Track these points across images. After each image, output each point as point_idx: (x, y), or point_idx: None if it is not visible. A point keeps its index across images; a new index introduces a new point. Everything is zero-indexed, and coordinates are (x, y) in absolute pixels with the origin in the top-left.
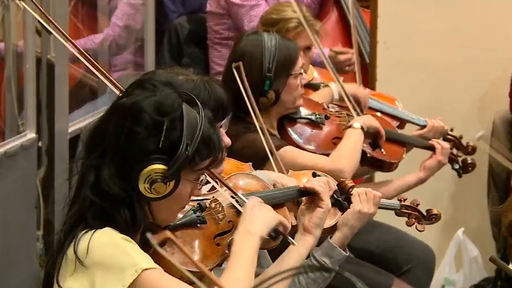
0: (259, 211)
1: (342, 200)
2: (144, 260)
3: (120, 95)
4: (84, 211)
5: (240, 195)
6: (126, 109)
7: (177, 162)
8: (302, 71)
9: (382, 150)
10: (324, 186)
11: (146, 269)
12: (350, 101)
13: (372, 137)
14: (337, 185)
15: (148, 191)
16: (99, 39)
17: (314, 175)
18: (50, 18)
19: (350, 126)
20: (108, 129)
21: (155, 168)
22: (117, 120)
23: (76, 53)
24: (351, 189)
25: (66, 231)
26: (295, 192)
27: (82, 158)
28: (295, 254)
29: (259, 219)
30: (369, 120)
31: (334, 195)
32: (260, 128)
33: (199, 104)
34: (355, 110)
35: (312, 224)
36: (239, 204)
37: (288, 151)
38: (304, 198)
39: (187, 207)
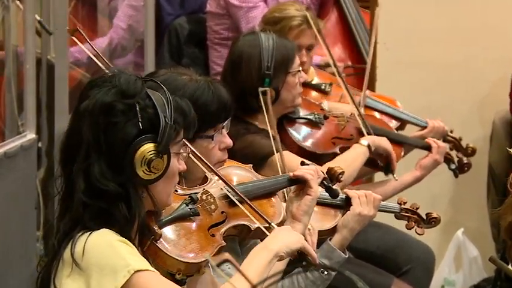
0: (285, 232)
1: (332, 186)
2: (137, 261)
3: (78, 101)
4: (78, 215)
5: (231, 186)
6: (92, 110)
7: (165, 135)
8: (300, 68)
9: (395, 175)
10: (313, 174)
11: (139, 271)
12: (353, 103)
13: (385, 161)
14: (326, 172)
15: (148, 172)
16: (105, 43)
17: (302, 164)
18: None
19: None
20: (82, 135)
21: (146, 148)
22: (89, 123)
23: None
24: (340, 176)
25: (60, 238)
26: (285, 181)
27: (60, 175)
28: None
29: (280, 238)
30: (380, 141)
31: (324, 182)
32: (273, 136)
33: (155, 80)
34: (358, 113)
35: (300, 212)
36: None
37: (284, 154)
38: (293, 186)
39: (178, 203)
